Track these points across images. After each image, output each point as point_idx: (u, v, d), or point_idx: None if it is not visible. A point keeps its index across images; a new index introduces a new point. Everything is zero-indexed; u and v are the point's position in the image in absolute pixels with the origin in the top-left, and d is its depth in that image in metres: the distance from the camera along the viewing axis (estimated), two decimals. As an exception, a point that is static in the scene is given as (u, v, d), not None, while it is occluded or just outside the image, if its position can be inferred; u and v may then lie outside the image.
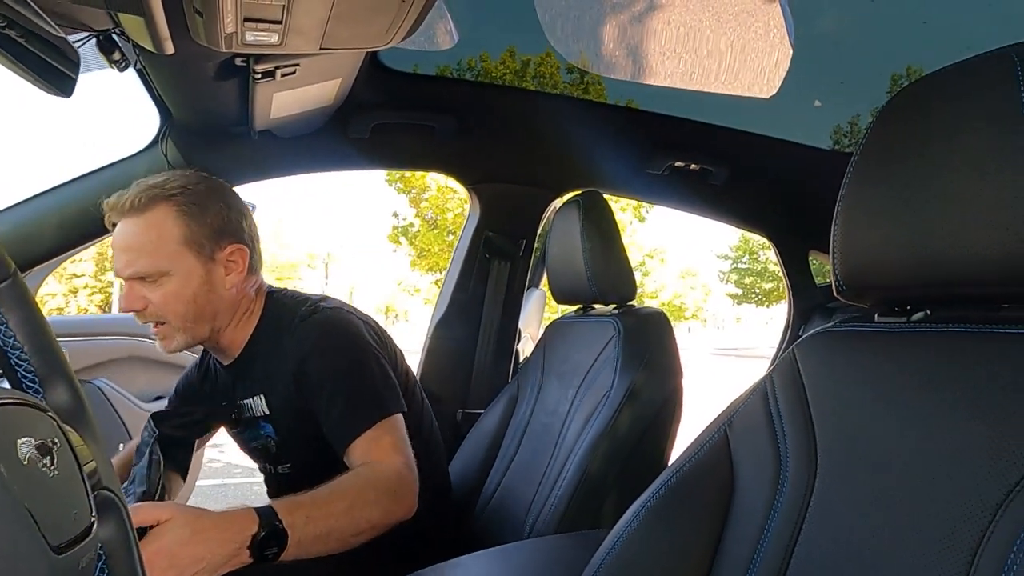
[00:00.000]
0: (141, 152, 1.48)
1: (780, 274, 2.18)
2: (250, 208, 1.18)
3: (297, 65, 1.12)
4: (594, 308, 1.45)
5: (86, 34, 1.00)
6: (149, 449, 1.03)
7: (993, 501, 0.48)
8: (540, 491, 1.25)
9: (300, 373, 1.05)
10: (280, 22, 0.90)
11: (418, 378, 1.40)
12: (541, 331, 1.61)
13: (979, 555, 0.48)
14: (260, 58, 1.08)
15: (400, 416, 1.04)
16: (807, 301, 2.10)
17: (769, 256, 22.74)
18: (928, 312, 0.62)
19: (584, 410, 1.25)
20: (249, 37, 0.93)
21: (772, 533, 0.62)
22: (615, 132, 1.83)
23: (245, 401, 1.16)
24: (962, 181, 0.54)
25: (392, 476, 0.96)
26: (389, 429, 1.02)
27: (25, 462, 0.34)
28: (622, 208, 15.87)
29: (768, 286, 24.38)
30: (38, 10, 0.75)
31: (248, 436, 1.19)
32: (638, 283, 1.40)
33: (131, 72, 1.15)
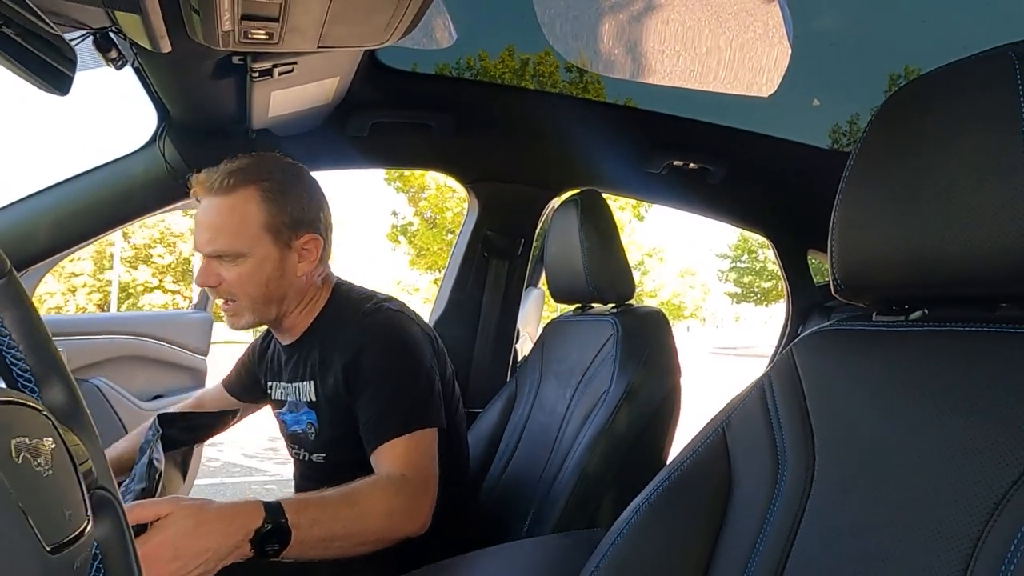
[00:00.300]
0: (138, 151, 1.48)
1: (779, 273, 2.18)
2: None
3: (295, 63, 1.12)
4: (592, 307, 1.45)
5: (83, 32, 1.00)
6: (151, 448, 1.03)
7: (991, 500, 0.48)
8: (538, 490, 1.25)
9: (353, 365, 1.06)
10: (278, 20, 0.89)
11: None
12: (539, 330, 1.60)
13: (976, 554, 0.48)
14: (258, 56, 1.08)
15: (436, 432, 1.03)
16: (806, 300, 2.10)
17: (768, 255, 22.77)
18: (926, 311, 0.62)
19: (582, 409, 1.25)
20: (247, 35, 0.92)
21: (770, 532, 0.62)
22: (614, 131, 1.83)
23: (294, 384, 1.17)
24: (960, 181, 0.54)
25: (409, 491, 0.95)
26: (421, 441, 1.01)
27: (19, 461, 0.34)
28: (621, 207, 15.90)
29: (767, 285, 24.42)
30: (35, 8, 0.75)
31: (290, 419, 1.20)
32: (637, 282, 1.40)
33: (128, 70, 1.15)
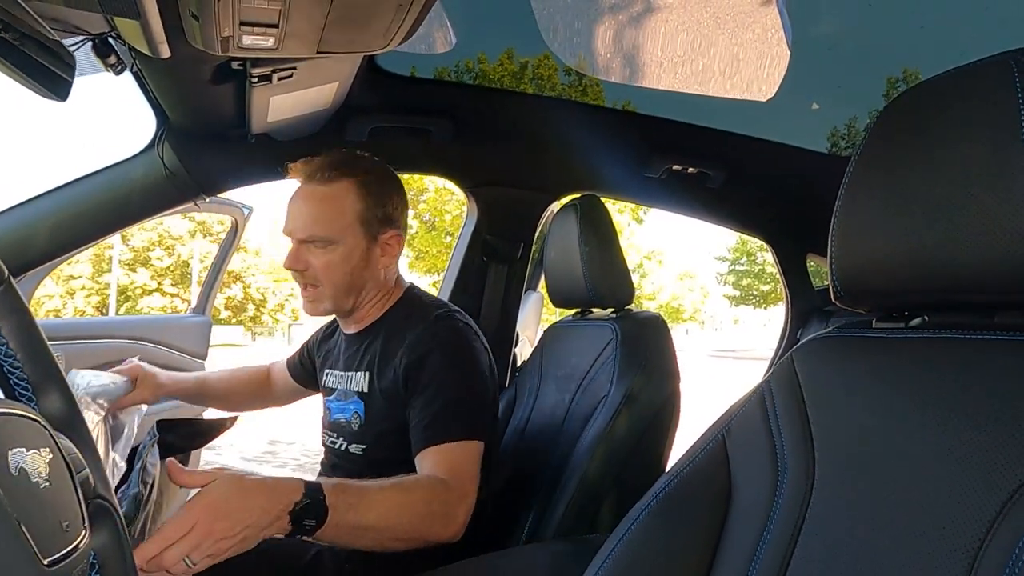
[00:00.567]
0: (137, 155, 1.48)
1: (778, 276, 2.18)
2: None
3: (294, 68, 1.12)
4: (592, 312, 1.45)
5: (82, 37, 1.00)
6: (146, 453, 1.03)
7: (992, 508, 0.48)
8: (538, 495, 1.24)
9: (417, 364, 1.07)
10: (277, 26, 0.89)
11: None
12: (538, 334, 1.60)
13: (977, 563, 0.48)
14: (257, 62, 1.08)
15: (481, 445, 1.05)
16: (805, 304, 2.10)
17: (767, 258, 22.79)
18: (926, 318, 0.62)
19: (582, 414, 1.25)
20: (246, 41, 0.92)
21: (770, 539, 0.62)
22: (613, 135, 1.83)
23: (348, 373, 1.20)
24: (960, 187, 0.54)
25: (449, 497, 0.95)
26: (468, 451, 1.02)
27: (16, 474, 0.34)
28: (620, 210, 15.89)
29: (766, 288, 24.43)
30: (33, 14, 0.74)
31: (335, 407, 1.22)
32: (636, 285, 1.40)
33: (127, 76, 1.14)
